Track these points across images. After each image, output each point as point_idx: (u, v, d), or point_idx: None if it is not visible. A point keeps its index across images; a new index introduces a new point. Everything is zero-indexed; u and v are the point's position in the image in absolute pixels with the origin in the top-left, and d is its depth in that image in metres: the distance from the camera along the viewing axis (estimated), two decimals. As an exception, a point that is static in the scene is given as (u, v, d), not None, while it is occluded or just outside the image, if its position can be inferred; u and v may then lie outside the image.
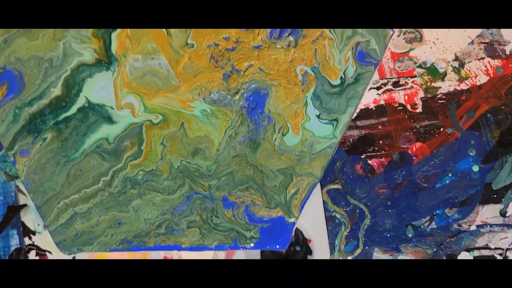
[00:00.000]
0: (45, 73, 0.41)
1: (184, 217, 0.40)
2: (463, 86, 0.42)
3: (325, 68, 0.40)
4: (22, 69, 0.41)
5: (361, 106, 0.42)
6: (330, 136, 0.40)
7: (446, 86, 0.42)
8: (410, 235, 0.41)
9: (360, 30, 0.39)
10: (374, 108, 0.42)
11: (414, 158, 0.42)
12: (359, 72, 0.40)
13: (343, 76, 0.40)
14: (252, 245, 0.40)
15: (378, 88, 0.42)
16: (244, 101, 0.40)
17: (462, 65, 0.42)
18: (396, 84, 0.42)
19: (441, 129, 0.42)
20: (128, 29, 0.40)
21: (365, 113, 0.42)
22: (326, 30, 0.39)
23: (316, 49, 0.40)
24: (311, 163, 0.40)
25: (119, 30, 0.41)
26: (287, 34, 0.40)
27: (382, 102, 0.42)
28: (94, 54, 0.41)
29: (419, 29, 0.42)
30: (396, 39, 0.42)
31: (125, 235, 0.40)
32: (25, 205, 0.44)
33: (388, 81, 0.42)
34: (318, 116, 0.40)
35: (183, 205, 0.40)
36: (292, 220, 0.40)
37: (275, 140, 0.40)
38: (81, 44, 0.41)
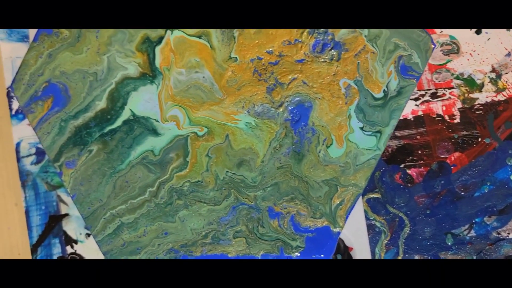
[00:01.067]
0: (90, 86, 0.42)
1: (230, 227, 0.41)
2: (500, 97, 0.43)
3: (368, 81, 0.41)
4: (67, 83, 0.42)
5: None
6: (374, 148, 0.41)
7: (484, 97, 0.43)
8: (449, 243, 0.42)
9: (402, 44, 0.40)
10: (412, 119, 0.43)
11: (452, 167, 0.43)
12: (402, 85, 0.40)
13: (386, 89, 0.41)
14: (298, 254, 0.41)
15: (416, 99, 0.43)
16: (288, 114, 0.41)
17: (499, 76, 0.43)
18: (434, 95, 0.43)
19: (479, 139, 0.43)
20: (172, 44, 0.41)
21: (404, 124, 0.43)
22: (369, 44, 0.40)
23: (358, 62, 0.41)
24: (355, 174, 0.41)
25: (163, 44, 0.41)
26: (329, 48, 0.41)
27: (420, 113, 0.43)
28: (138, 68, 0.42)
29: (456, 41, 0.43)
30: (434, 51, 0.43)
31: (172, 245, 0.41)
32: (66, 215, 0.45)
33: (426, 92, 0.43)
34: (361, 128, 0.41)
35: (229, 216, 0.41)
36: (337, 230, 0.41)
37: (320, 151, 0.41)
38: (125, 58, 0.42)
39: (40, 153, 0.48)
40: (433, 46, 0.40)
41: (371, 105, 0.41)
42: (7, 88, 0.48)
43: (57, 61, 0.42)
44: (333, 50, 0.41)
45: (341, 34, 0.40)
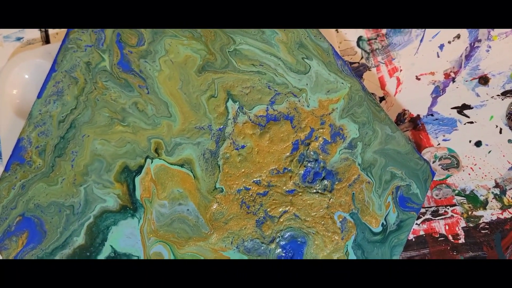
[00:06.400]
0: (67, 220, 0.39)
1: None
2: (507, 215, 0.40)
3: (365, 214, 0.38)
4: (42, 217, 0.39)
5: (400, 237, 0.40)
6: (375, 288, 0.38)
7: (489, 214, 0.40)
8: None
9: (399, 173, 0.37)
10: (413, 239, 0.40)
11: (460, 292, 0.40)
12: (402, 218, 0.38)
13: (385, 223, 0.38)
14: None
15: (417, 218, 0.40)
16: (281, 250, 0.38)
17: (503, 192, 0.40)
18: (435, 213, 0.40)
19: (487, 261, 0.40)
20: (152, 173, 0.38)
21: (405, 245, 0.40)
22: (363, 173, 0.37)
23: (353, 193, 0.38)
24: (357, 317, 0.38)
25: (142, 173, 0.39)
26: (321, 178, 0.38)
27: (421, 233, 0.40)
28: (118, 200, 0.39)
29: (455, 155, 0.40)
30: (432, 165, 0.40)
31: None
32: None
33: (426, 211, 0.40)
34: (360, 266, 0.38)
35: None
36: None
37: (317, 292, 0.38)
38: (103, 189, 0.39)
39: (18, 280, 0.44)
40: (432, 174, 0.37)
41: (370, 240, 0.38)
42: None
43: (31, 192, 0.39)
44: (325, 180, 0.38)
45: (333, 162, 0.38)
